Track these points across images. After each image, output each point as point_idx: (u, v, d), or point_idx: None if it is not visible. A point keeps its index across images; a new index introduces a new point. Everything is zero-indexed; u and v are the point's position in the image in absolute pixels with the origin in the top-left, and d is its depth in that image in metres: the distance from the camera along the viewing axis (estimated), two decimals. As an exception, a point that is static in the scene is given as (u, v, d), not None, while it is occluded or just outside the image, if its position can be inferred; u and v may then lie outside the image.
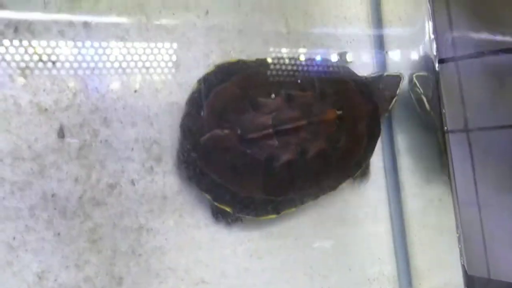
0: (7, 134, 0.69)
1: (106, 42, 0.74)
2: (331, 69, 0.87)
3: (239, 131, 0.75)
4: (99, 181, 0.74)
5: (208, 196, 0.77)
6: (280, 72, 0.81)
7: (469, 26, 1.06)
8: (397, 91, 0.90)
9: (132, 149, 0.76)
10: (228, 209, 0.77)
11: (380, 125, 0.88)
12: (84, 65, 0.73)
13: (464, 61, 1.05)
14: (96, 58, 0.74)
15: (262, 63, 0.81)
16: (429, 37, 0.95)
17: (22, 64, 0.70)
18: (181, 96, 0.78)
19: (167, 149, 0.78)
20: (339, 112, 0.80)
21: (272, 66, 0.81)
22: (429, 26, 0.96)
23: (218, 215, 0.80)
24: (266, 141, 0.75)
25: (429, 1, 0.97)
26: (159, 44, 0.78)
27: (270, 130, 0.75)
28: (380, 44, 0.96)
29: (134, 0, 0.77)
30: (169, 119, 0.78)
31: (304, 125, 0.76)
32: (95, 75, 0.74)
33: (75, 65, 0.72)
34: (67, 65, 0.72)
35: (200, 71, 0.79)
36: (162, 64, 0.78)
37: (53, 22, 0.71)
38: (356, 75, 0.88)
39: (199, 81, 0.77)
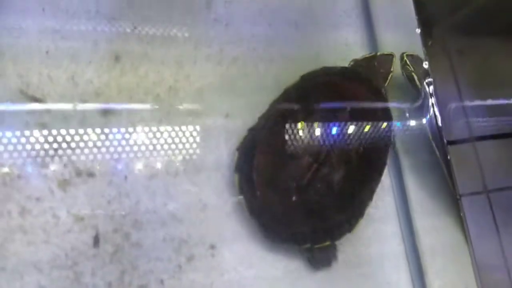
0: (46, 244, 0.73)
1: (137, 151, 0.80)
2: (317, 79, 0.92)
3: (295, 185, 0.83)
4: (131, 283, 0.77)
5: (308, 245, 0.84)
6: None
7: (477, 94, 1.12)
8: (391, 68, 0.98)
9: (161, 249, 0.80)
10: (328, 243, 0.85)
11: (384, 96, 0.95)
12: (117, 174, 0.79)
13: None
14: (127, 167, 0.80)
15: (266, 119, 0.86)
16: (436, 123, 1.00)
17: (61, 178, 0.76)
18: (208, 196, 0.84)
19: (194, 247, 0.81)
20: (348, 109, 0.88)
21: (275, 115, 0.86)
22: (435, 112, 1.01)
23: (318, 263, 0.87)
24: (318, 176, 0.84)
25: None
26: (185, 146, 0.84)
27: (316, 166, 0.83)
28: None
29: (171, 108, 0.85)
30: (196, 217, 0.82)
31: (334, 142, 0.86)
32: (128, 182, 0.79)
33: (110, 175, 0.78)
34: (102, 175, 0.78)
35: (224, 172, 0.85)
36: (188, 167, 0.84)
37: (89, 139, 0.78)
38: (335, 67, 0.94)
39: (236, 170, 0.83)
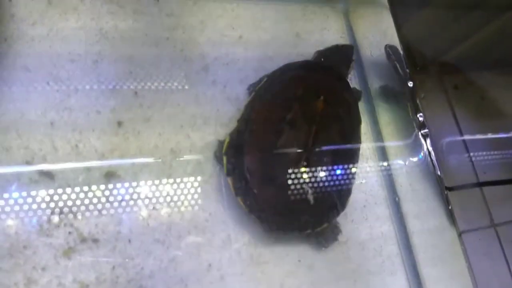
0: (52, 314, 0.74)
1: (140, 215, 0.82)
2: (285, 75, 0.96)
3: (291, 176, 0.86)
4: None
5: (309, 231, 0.88)
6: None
7: (477, 130, 1.13)
8: (353, 57, 1.04)
9: (166, 312, 0.80)
10: (326, 225, 0.89)
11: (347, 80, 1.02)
12: (121, 238, 0.80)
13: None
14: (131, 231, 0.81)
15: (245, 121, 0.88)
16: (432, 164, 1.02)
17: (66, 246, 0.77)
18: (213, 255, 0.84)
19: (199, 308, 0.82)
20: (322, 98, 0.91)
21: (254, 115, 0.89)
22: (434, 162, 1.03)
23: (326, 242, 0.92)
24: (311, 162, 0.88)
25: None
26: (189, 208, 0.85)
27: (305, 155, 0.87)
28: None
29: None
30: (202, 278, 0.82)
31: (316, 129, 0.88)
32: (132, 246, 0.80)
33: (114, 240, 0.79)
34: (106, 240, 0.79)
35: (229, 231, 0.86)
36: (192, 227, 0.84)
37: (93, 205, 0.80)
38: (297, 62, 0.99)
39: (228, 174, 0.85)
